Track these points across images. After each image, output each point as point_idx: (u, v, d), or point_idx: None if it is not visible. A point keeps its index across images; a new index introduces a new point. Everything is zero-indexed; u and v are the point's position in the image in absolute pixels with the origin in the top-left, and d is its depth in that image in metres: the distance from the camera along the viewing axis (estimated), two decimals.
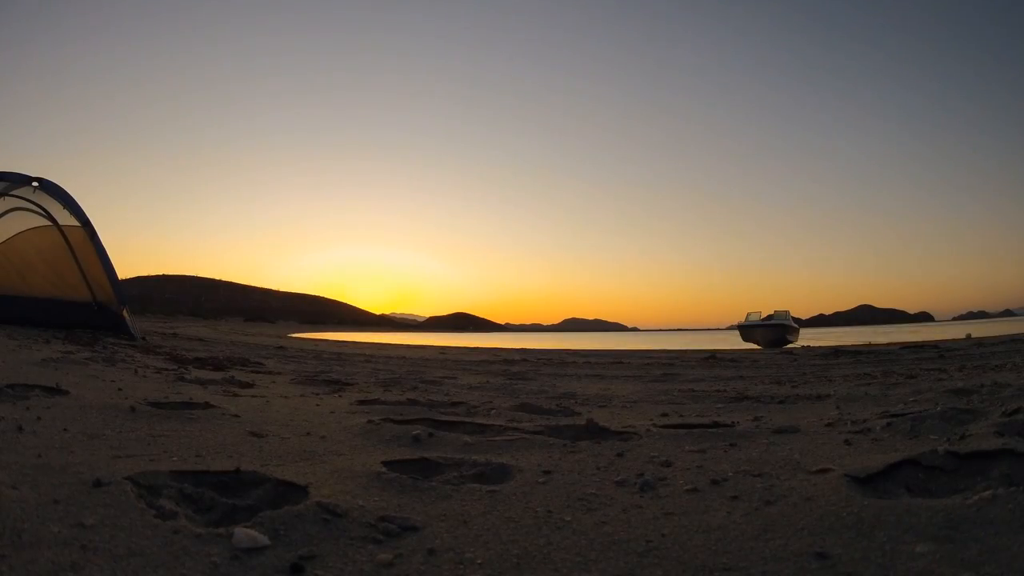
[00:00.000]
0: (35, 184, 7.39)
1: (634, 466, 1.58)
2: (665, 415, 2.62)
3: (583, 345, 19.47)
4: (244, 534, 0.96)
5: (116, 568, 0.86)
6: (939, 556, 0.93)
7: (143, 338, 7.63)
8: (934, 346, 9.23)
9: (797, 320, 23.83)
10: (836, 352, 9.27)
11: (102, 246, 7.60)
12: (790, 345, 18.27)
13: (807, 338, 23.27)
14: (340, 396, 3.10)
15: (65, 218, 7.48)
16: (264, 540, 0.96)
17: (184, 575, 0.86)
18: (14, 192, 7.34)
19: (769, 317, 22.39)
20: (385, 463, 1.51)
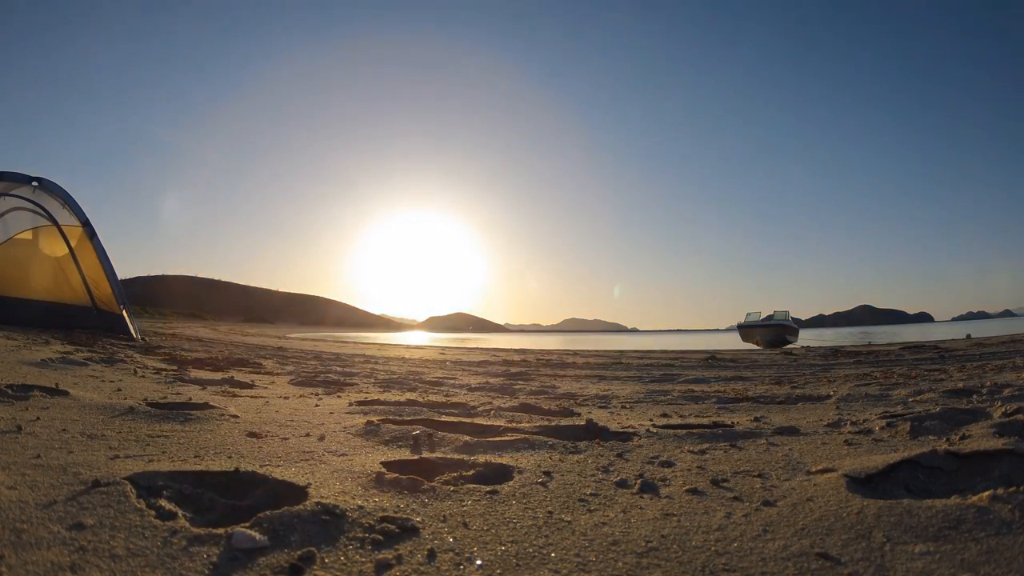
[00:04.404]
0: (35, 184, 7.40)
1: (634, 467, 1.58)
2: (665, 415, 2.62)
3: (583, 345, 19.47)
4: (243, 535, 0.96)
5: (115, 568, 0.86)
6: (939, 556, 0.93)
7: (142, 338, 7.63)
8: (934, 346, 9.23)
9: (797, 320, 23.86)
10: (836, 352, 9.27)
11: (101, 246, 7.60)
12: (790, 345, 18.28)
13: (807, 338, 23.28)
14: (339, 397, 3.10)
15: (65, 218, 7.48)
16: (263, 541, 0.96)
17: (183, 575, 0.86)
18: (14, 192, 7.35)
19: (769, 317, 22.42)
20: (385, 464, 1.51)
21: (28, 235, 7.48)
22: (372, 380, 4.22)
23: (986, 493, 1.13)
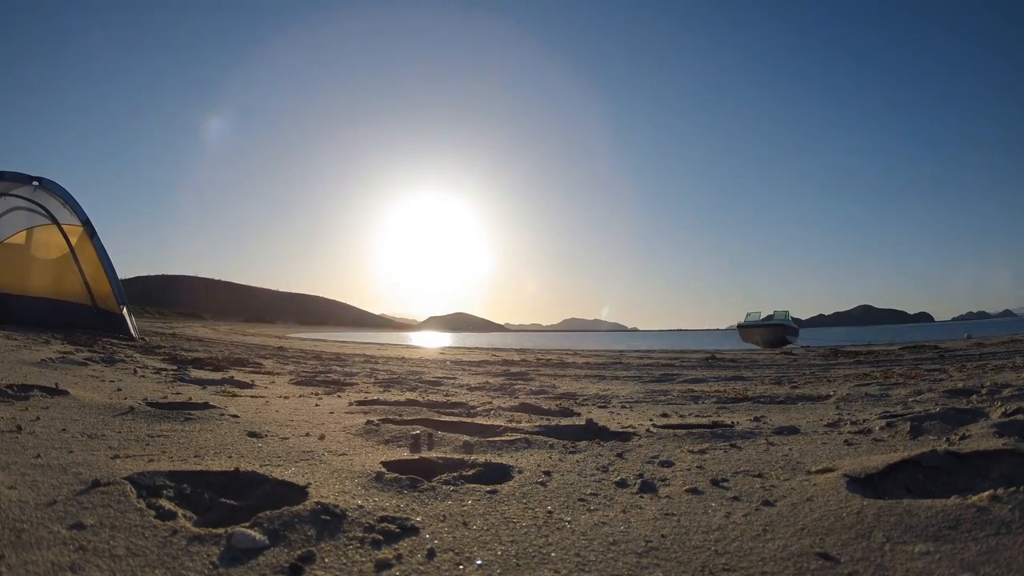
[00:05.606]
0: (35, 183, 7.40)
1: (634, 467, 1.58)
2: (665, 415, 2.62)
3: (583, 345, 19.48)
4: (243, 534, 0.96)
5: (115, 568, 0.86)
6: (939, 556, 0.93)
7: (142, 338, 7.64)
8: (934, 347, 9.23)
9: (797, 320, 23.86)
10: (836, 352, 9.27)
11: (102, 245, 7.60)
12: (790, 345, 18.29)
13: (807, 338, 23.28)
14: (339, 396, 3.10)
15: (65, 217, 7.48)
16: (263, 541, 0.96)
17: (183, 575, 0.86)
18: (14, 191, 7.35)
19: (769, 317, 22.42)
20: (384, 463, 1.51)
21: (28, 234, 7.48)
22: (372, 380, 4.22)
23: (986, 493, 1.13)
